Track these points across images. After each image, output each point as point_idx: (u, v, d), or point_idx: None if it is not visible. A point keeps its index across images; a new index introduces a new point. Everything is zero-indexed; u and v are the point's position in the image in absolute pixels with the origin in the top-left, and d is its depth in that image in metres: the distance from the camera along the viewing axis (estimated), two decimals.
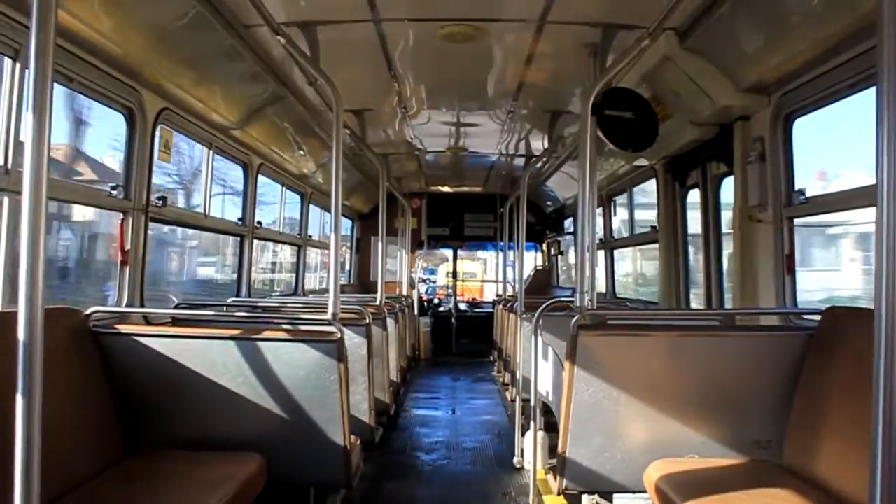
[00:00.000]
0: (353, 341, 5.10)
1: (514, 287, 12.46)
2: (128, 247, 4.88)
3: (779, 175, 4.80)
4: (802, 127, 4.72)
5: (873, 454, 1.91)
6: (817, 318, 3.98)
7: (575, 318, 4.16)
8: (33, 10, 1.99)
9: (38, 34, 1.99)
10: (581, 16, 4.90)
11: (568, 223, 13.30)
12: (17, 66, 3.62)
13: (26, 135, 1.99)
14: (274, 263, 10.77)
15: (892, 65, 1.92)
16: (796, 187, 4.73)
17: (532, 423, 5.41)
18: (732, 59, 4.77)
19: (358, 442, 4.57)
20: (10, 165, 3.58)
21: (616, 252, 9.69)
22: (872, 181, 2.13)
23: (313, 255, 11.10)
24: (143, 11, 4.19)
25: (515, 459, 6.48)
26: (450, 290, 16.72)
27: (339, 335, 4.08)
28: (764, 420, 4.00)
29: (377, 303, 7.15)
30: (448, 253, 16.97)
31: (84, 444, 3.63)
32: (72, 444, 3.47)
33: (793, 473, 3.66)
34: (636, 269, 10.50)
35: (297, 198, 9.70)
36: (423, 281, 16.73)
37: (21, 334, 1.97)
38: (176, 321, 4.95)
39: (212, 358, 4.08)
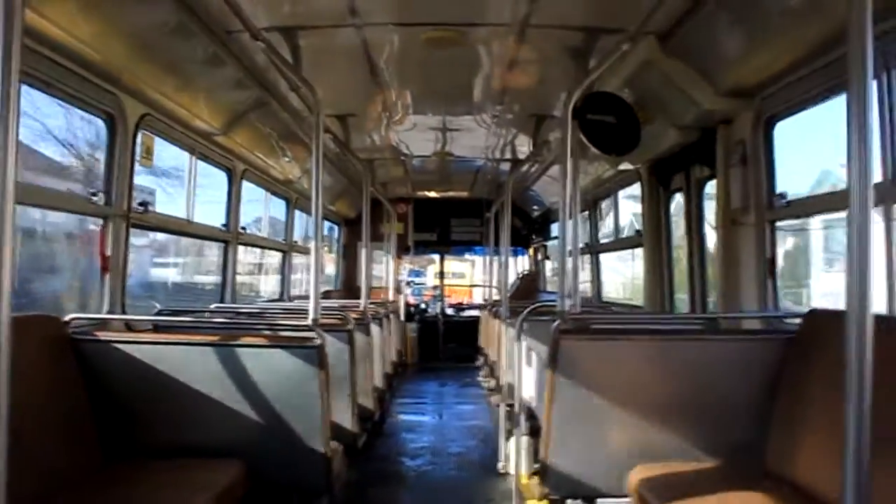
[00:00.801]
0: (336, 347, 5.08)
1: (500, 291, 12.48)
2: (108, 253, 4.85)
3: (760, 178, 4.82)
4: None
5: (845, 456, 1.91)
6: (798, 321, 4.00)
7: (556, 323, 4.15)
8: None
9: (4, 34, 1.96)
10: (563, 20, 4.91)
11: (554, 227, 13.31)
12: None
13: None
14: (260, 266, 10.70)
15: (860, 71, 1.94)
16: (778, 190, 4.75)
17: (516, 429, 5.40)
18: (713, 63, 4.79)
19: (340, 448, 4.55)
20: None
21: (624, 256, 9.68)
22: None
23: (303, 261, 11.09)
24: (122, 17, 4.17)
25: (500, 465, 6.47)
26: (436, 293, 16.72)
27: (319, 341, 4.05)
28: (746, 424, 4.00)
29: (361, 308, 7.14)
30: (435, 255, 16.96)
31: (62, 452, 3.59)
32: (48, 452, 3.43)
33: (773, 477, 3.66)
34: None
35: (283, 204, 9.68)
36: (409, 283, 16.67)
37: None
38: (158, 327, 4.92)
39: (192, 364, 4.05)
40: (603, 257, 9.58)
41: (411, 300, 16.20)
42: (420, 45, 5.32)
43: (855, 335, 1.89)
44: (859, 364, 1.88)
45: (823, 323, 3.75)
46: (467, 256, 20.74)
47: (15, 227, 2.00)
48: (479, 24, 5.02)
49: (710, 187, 5.95)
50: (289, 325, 4.84)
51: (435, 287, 17.09)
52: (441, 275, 16.27)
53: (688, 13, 4.50)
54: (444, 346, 15.07)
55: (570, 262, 4.58)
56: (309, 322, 4.22)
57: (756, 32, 4.25)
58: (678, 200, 6.68)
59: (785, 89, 4.44)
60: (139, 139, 5.10)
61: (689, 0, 4.34)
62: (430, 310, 16.26)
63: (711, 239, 5.93)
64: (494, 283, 13.29)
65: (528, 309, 5.44)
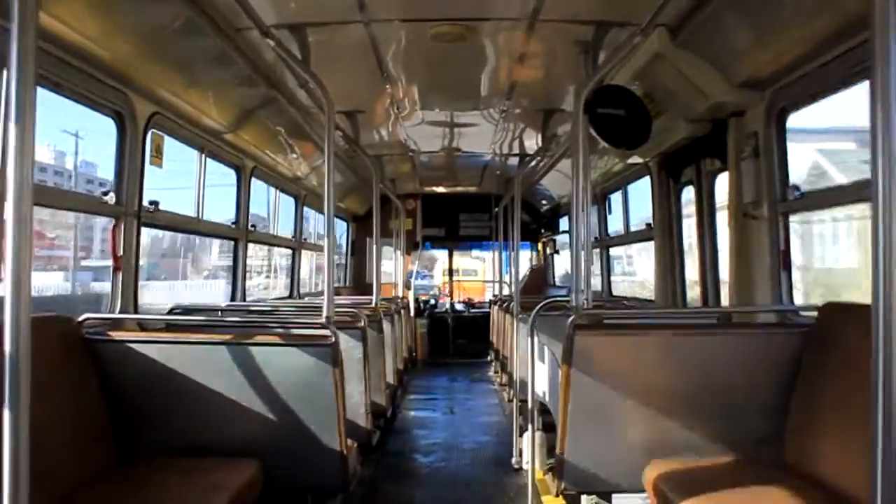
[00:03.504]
0: (349, 344, 5.08)
1: (509, 287, 12.45)
2: (120, 252, 4.85)
3: (773, 170, 4.78)
4: None
5: (873, 451, 1.89)
6: (814, 314, 3.98)
7: (571, 318, 4.13)
8: (14, 13, 1.96)
9: (20, 37, 1.96)
10: (572, 14, 4.87)
11: (563, 221, 13.28)
12: (4, 72, 3.59)
13: (9, 140, 1.96)
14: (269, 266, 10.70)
15: (884, 58, 1.90)
16: (791, 182, 4.72)
17: (530, 424, 5.39)
18: (725, 54, 4.75)
19: (355, 445, 4.55)
20: None
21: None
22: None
23: (310, 258, 11.07)
24: (131, 15, 4.16)
25: (514, 460, 6.46)
26: (436, 293, 16.69)
27: (333, 339, 4.05)
28: (762, 418, 3.99)
29: (372, 305, 7.13)
30: (438, 254, 16.85)
31: (77, 452, 3.60)
32: (65, 452, 3.44)
33: (791, 471, 3.65)
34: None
35: (291, 201, 9.67)
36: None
37: (7, 344, 1.94)
38: (170, 326, 4.93)
39: (206, 363, 4.05)
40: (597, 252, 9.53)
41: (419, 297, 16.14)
42: (428, 41, 5.29)
43: (882, 328, 1.86)
44: (886, 357, 1.86)
45: (840, 316, 3.73)
46: (475, 253, 20.62)
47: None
48: (487, 18, 4.99)
49: (721, 180, 5.92)
50: (303, 323, 4.83)
51: (445, 284, 17.00)
52: (450, 272, 16.22)
53: (698, 5, 4.45)
54: (454, 341, 15.06)
55: (582, 256, 4.55)
56: (323, 320, 4.22)
57: (768, 23, 4.21)
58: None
59: (799, 80, 4.39)
60: (149, 138, 5.09)
61: None
62: (439, 307, 16.24)
63: (723, 232, 5.90)
64: (504, 279, 13.27)
65: (540, 304, 5.42)
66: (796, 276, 4.87)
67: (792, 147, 4.72)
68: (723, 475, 3.69)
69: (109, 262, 4.88)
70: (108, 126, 4.85)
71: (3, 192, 3.48)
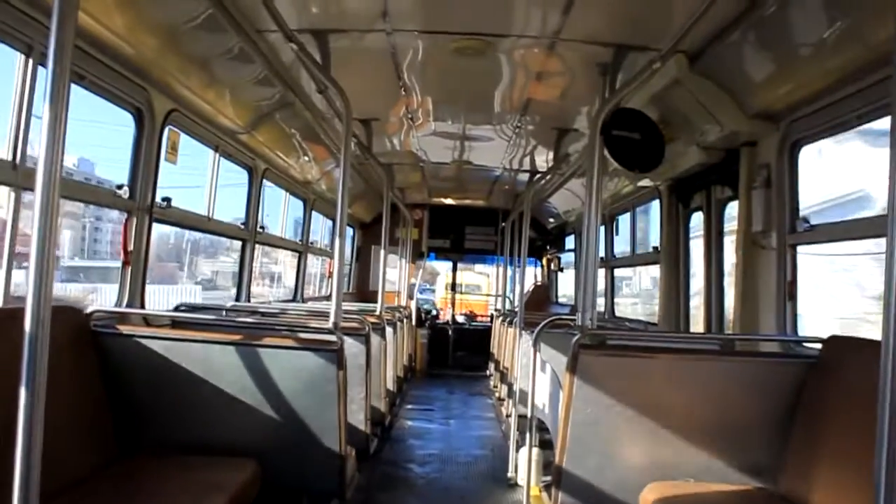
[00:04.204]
0: (352, 350, 5.10)
1: (512, 301, 12.45)
2: (130, 247, 4.87)
3: (784, 202, 4.80)
4: None
5: (877, 485, 1.90)
6: (817, 346, 3.99)
7: (576, 337, 4.14)
8: (55, 8, 1.99)
9: (59, 32, 2.00)
10: (593, 35, 4.90)
11: (569, 240, 13.28)
12: (30, 62, 3.63)
13: (42, 132, 1.99)
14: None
15: None
16: (801, 214, 4.74)
17: (528, 439, 5.39)
18: (742, 84, 4.79)
19: (353, 451, 4.56)
20: (18, 161, 3.58)
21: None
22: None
23: (312, 262, 11.09)
24: (155, 11, 4.20)
25: (509, 475, 6.45)
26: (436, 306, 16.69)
27: (339, 344, 4.07)
28: (761, 447, 3.99)
29: (377, 312, 7.15)
30: (440, 268, 16.83)
31: (79, 443, 3.62)
32: (66, 443, 3.45)
33: (788, 502, 3.65)
34: None
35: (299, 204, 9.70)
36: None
37: (27, 331, 1.96)
38: (176, 324, 4.95)
39: (211, 362, 4.07)
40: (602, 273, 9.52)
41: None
42: (447, 53, 5.31)
43: (890, 364, 1.87)
44: (894, 392, 1.87)
45: (844, 349, 3.74)
46: (479, 268, 20.57)
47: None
48: (508, 35, 5.01)
49: (731, 208, 5.95)
50: (309, 328, 4.85)
51: (445, 300, 16.99)
52: (453, 285, 16.22)
53: (719, 34, 4.49)
54: (454, 353, 15.04)
55: (591, 276, 4.56)
56: (330, 325, 4.24)
57: (787, 56, 4.25)
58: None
59: (814, 114, 4.42)
60: (165, 135, 5.12)
61: (721, 21, 4.33)
62: (440, 318, 16.24)
63: (729, 259, 5.92)
64: (507, 293, 13.27)
65: (545, 321, 5.44)
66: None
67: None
68: (718, 501, 3.70)
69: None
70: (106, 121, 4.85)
71: (19, 184, 3.55)
